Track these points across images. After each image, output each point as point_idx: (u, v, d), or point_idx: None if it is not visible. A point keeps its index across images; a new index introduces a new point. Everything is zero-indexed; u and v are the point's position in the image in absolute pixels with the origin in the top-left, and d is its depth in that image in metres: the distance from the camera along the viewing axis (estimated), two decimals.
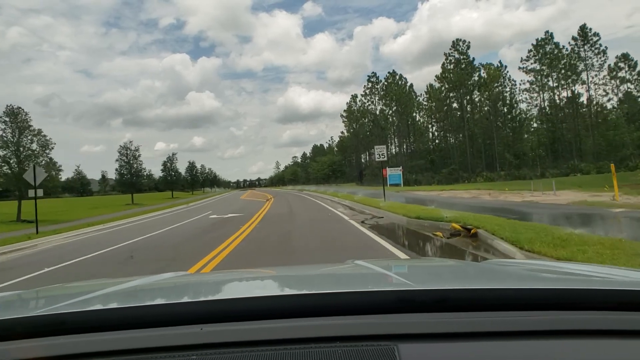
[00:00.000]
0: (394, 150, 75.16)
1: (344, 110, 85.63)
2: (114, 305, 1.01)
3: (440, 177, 53.58)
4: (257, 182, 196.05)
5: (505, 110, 57.72)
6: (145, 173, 56.11)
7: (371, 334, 0.68)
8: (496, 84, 55.89)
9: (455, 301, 0.77)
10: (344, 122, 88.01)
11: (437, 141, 68.94)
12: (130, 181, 54.32)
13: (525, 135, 56.93)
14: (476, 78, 56.84)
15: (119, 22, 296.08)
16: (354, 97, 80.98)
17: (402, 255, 6.48)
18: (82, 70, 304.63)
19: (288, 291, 1.09)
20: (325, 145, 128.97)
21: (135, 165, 55.09)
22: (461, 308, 0.75)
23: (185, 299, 1.06)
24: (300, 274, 1.56)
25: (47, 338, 0.72)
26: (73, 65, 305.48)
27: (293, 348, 0.65)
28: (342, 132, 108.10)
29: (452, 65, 57.45)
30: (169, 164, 76.89)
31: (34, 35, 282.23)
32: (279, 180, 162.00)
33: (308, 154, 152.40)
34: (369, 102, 73.16)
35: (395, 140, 74.94)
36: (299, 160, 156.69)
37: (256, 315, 0.75)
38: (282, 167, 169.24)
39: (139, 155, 55.44)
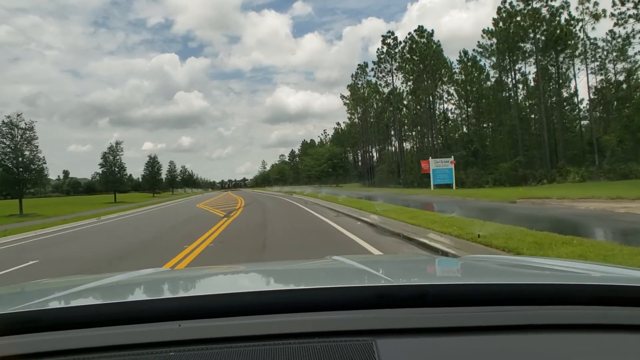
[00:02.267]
0: (414, 137, 57.73)
1: (348, 87, 68.17)
2: (91, 301, 1.00)
3: (498, 174, 35.96)
4: (242, 183, 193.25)
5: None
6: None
7: (350, 329, 0.68)
8: (572, 41, 38.20)
9: (435, 296, 0.78)
10: (345, 103, 70.52)
11: (471, 128, 51.37)
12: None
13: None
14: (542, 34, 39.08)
15: (107, 22, 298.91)
16: (362, 67, 62.76)
17: None
18: (69, 70, 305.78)
19: (266, 287, 1.08)
20: (317, 140, 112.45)
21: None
22: (440, 303, 0.76)
23: (163, 295, 1.06)
24: (278, 269, 1.56)
25: (22, 335, 0.71)
26: (60, 64, 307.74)
27: (272, 344, 0.65)
28: (337, 124, 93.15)
29: (504, 15, 39.72)
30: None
31: (22, 35, 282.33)
32: (264, 180, 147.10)
33: (297, 152, 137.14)
34: (383, 74, 55.01)
35: (414, 128, 57.22)
36: (287, 159, 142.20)
37: (234, 311, 0.75)
38: (268, 167, 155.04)
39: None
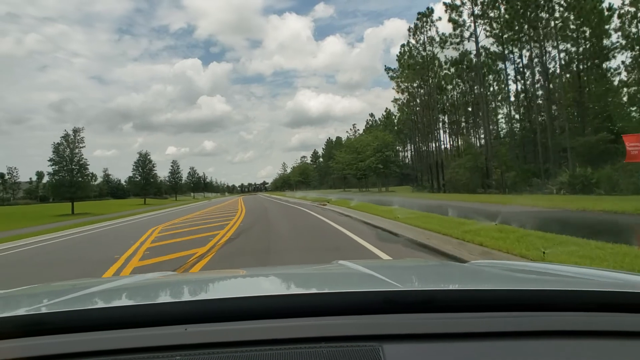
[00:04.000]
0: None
1: (398, 56, 48.42)
2: (96, 305, 1.00)
3: None
4: (262, 187, 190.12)
5: None
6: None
7: (357, 334, 0.68)
8: None
9: (442, 302, 0.78)
10: (393, 78, 50.28)
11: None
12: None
13: None
14: None
15: (131, 29, 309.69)
16: (424, 17, 41.67)
17: None
18: (95, 77, 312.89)
19: (273, 291, 1.07)
20: (344, 139, 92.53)
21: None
22: (447, 309, 0.76)
23: (170, 299, 1.07)
24: (285, 274, 1.55)
25: (28, 338, 0.72)
26: (86, 71, 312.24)
27: (278, 348, 0.65)
28: (371, 115, 74.04)
29: None
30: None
31: (50, 43, 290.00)
32: (284, 183, 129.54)
33: (320, 153, 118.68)
34: (459, 29, 35.51)
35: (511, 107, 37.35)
36: (309, 160, 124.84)
37: (241, 315, 0.75)
38: (289, 169, 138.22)
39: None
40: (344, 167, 55.47)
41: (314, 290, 1.02)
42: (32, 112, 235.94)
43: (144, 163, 69.07)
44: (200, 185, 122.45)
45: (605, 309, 0.74)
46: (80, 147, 40.54)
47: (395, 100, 54.03)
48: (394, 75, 50.75)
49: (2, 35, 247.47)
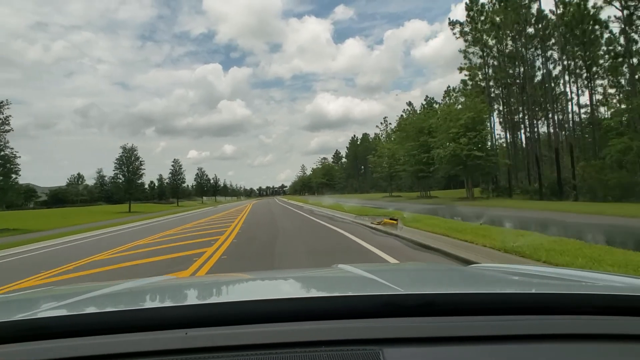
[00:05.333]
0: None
1: (467, 4, 33.17)
2: (98, 309, 0.99)
3: None
4: (280, 190, 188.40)
5: None
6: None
7: (357, 338, 0.68)
8: None
9: (442, 305, 0.78)
10: (464, 33, 34.85)
11: None
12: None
13: None
14: None
15: (153, 35, 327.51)
16: None
17: None
18: (118, 82, 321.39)
19: (273, 295, 1.05)
20: (371, 136, 76.40)
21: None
22: (447, 312, 0.76)
23: (170, 303, 1.04)
24: (285, 278, 1.54)
25: (30, 343, 0.71)
26: (110, 77, 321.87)
27: (278, 352, 0.65)
28: (429, 99, 56.59)
29: None
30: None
31: (76, 50, 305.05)
32: (304, 186, 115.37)
33: (343, 153, 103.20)
34: None
35: None
36: (331, 161, 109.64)
37: (241, 319, 0.75)
38: (309, 171, 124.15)
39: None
40: (394, 161, 39.09)
41: (314, 294, 1.01)
42: (59, 117, 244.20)
43: (128, 160, 54.61)
44: (212, 189, 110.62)
45: (606, 312, 0.73)
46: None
47: (467, 69, 37.15)
48: (459, 30, 35.19)
49: (31, 44, 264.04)
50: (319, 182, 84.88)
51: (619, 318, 0.72)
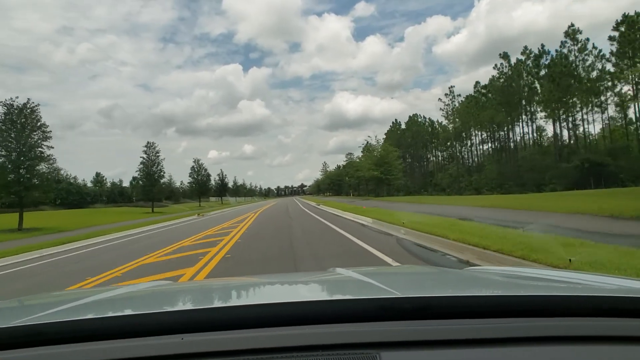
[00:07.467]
0: None
1: None
2: (93, 315, 0.98)
3: None
4: (300, 189, 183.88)
5: None
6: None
7: (354, 342, 0.68)
8: None
9: (438, 309, 0.78)
10: None
11: None
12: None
13: None
14: None
15: (175, 37, 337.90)
16: None
17: None
18: (141, 84, 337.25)
19: (270, 300, 1.05)
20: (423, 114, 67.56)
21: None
22: (443, 315, 0.76)
23: (166, 308, 1.04)
24: (282, 282, 1.54)
25: (25, 349, 0.71)
26: (133, 79, 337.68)
27: (275, 357, 0.65)
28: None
29: None
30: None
31: (101, 52, 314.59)
32: (332, 183, 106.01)
33: (359, 153, 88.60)
34: None
35: None
36: (355, 158, 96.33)
37: (237, 324, 0.75)
38: (332, 169, 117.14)
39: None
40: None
41: (310, 298, 1.01)
42: (84, 119, 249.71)
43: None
44: (228, 189, 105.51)
45: (601, 314, 0.73)
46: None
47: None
48: None
49: (58, 47, 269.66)
50: (371, 176, 56.07)
51: (614, 320, 0.72)
